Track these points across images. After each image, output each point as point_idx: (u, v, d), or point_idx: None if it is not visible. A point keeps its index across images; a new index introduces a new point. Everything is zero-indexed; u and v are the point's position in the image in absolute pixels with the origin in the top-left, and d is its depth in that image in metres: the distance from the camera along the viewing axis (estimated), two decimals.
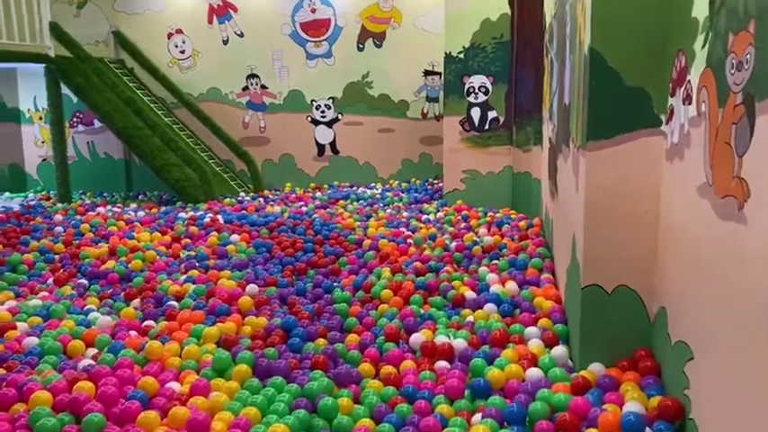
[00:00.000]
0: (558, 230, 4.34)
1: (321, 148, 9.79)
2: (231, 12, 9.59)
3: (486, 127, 7.43)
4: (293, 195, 8.67)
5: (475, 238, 5.54)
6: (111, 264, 5.15)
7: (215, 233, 6.05)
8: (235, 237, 5.88)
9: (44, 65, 8.28)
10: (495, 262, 4.87)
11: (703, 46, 2.22)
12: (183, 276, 4.85)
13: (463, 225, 6.20)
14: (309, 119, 9.71)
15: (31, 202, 8.59)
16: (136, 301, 4.38)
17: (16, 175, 10.29)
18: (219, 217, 6.80)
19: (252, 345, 3.49)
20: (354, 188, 9.17)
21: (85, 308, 4.25)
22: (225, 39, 9.65)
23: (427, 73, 9.42)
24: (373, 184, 9.39)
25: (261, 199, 8.43)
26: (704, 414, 2.20)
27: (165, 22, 9.65)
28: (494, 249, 5.21)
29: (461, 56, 7.34)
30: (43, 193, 9.78)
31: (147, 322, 3.95)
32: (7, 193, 9.81)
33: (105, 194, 9.50)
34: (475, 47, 7.29)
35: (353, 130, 9.66)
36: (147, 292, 4.49)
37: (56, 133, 8.55)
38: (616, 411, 2.54)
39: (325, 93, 9.62)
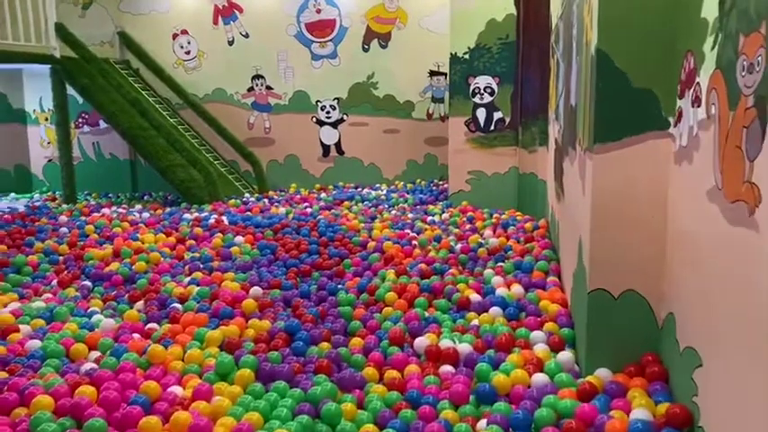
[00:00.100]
0: (564, 233, 4.30)
1: (326, 148, 9.77)
2: (236, 12, 9.58)
3: (492, 128, 7.40)
4: (298, 196, 8.66)
5: (480, 240, 5.51)
6: (115, 265, 5.14)
7: (219, 234, 6.03)
8: (239, 238, 5.86)
9: (50, 66, 8.29)
10: (500, 264, 4.83)
11: (713, 47, 2.18)
12: (187, 278, 4.83)
13: (468, 227, 6.17)
14: (314, 119, 9.69)
15: (37, 203, 8.61)
16: (139, 304, 4.36)
17: (22, 175, 10.31)
18: (224, 218, 6.79)
19: (255, 348, 3.46)
20: (359, 189, 9.14)
21: (89, 310, 4.24)
22: (230, 39, 9.64)
23: (432, 73, 9.39)
24: (378, 185, 9.36)
25: (266, 200, 8.41)
26: (713, 422, 2.16)
27: (171, 22, 9.65)
28: (499, 251, 5.17)
29: (467, 56, 7.30)
30: (49, 193, 9.79)
31: (150, 325, 3.93)
32: (13, 194, 9.84)
33: (110, 195, 9.50)
34: (480, 47, 7.26)
35: (358, 131, 9.64)
36: (151, 294, 4.47)
37: (61, 134, 8.56)
38: (623, 418, 2.50)
39: (330, 93, 9.60)
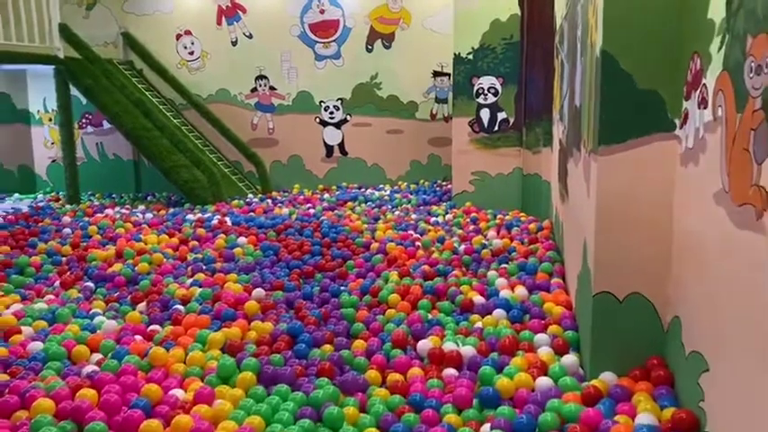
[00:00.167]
0: (569, 235, 4.27)
1: (329, 149, 9.76)
2: (240, 13, 9.57)
3: (496, 128, 7.37)
4: (301, 197, 8.64)
5: (484, 241, 5.48)
6: (117, 267, 5.13)
7: (222, 235, 6.02)
8: (242, 239, 5.85)
9: (53, 66, 8.30)
10: (504, 266, 4.81)
11: (720, 48, 2.15)
12: (190, 280, 4.82)
13: (472, 227, 6.14)
14: (318, 120, 9.68)
15: (40, 204, 8.61)
16: (142, 305, 4.35)
17: (26, 176, 10.32)
18: (227, 219, 6.78)
19: (257, 351, 3.44)
20: (363, 190, 9.13)
21: (91, 311, 4.23)
22: (234, 40, 9.63)
23: (436, 74, 9.36)
24: (382, 186, 9.34)
25: (269, 200, 8.40)
26: (720, 428, 2.13)
27: (174, 23, 9.64)
28: (503, 253, 5.14)
29: (471, 57, 7.28)
30: (52, 194, 9.80)
31: (152, 327, 3.92)
32: (17, 195, 9.84)
33: (114, 196, 9.50)
34: (484, 48, 7.23)
35: (362, 132, 9.62)
36: (154, 295, 4.46)
37: (65, 134, 8.57)
38: (628, 423, 2.48)
39: (333, 94, 9.58)
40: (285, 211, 7.38)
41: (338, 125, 9.67)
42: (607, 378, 2.88)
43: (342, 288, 4.54)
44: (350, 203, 7.94)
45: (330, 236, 5.87)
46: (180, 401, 2.86)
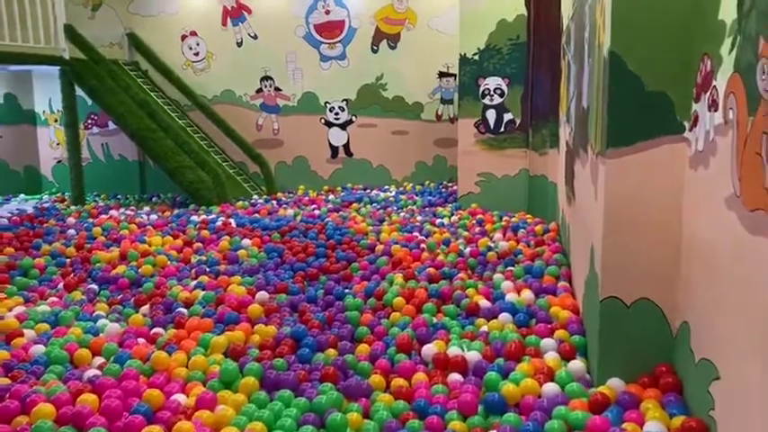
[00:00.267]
0: (576, 238, 4.22)
1: (335, 150, 9.72)
2: (245, 14, 9.55)
3: (502, 129, 7.31)
4: (306, 198, 8.61)
5: (489, 244, 5.44)
6: (121, 269, 5.11)
7: (226, 237, 5.99)
8: (246, 241, 5.82)
9: (59, 67, 8.29)
10: (510, 269, 4.76)
11: (731, 50, 2.11)
12: (194, 282, 4.79)
13: (478, 229, 6.10)
14: (323, 121, 9.65)
15: (45, 204, 8.61)
16: (145, 308, 4.33)
17: (31, 176, 10.33)
18: (232, 220, 6.75)
19: (260, 355, 3.41)
20: (368, 191, 9.09)
21: (94, 314, 4.20)
22: (239, 41, 9.61)
23: (442, 75, 9.32)
24: (387, 187, 9.30)
25: (274, 201, 8.38)
26: None
27: (180, 24, 9.63)
28: (509, 255, 5.10)
29: (476, 57, 7.23)
30: (58, 194, 9.80)
31: (155, 330, 3.89)
32: (22, 195, 9.85)
33: (119, 196, 9.50)
34: (490, 48, 7.18)
35: (367, 133, 9.58)
36: (157, 298, 4.43)
37: (70, 135, 8.57)
38: (636, 431, 2.43)
39: (338, 95, 9.55)
40: (290, 212, 7.36)
41: (343, 126, 9.64)
42: (615, 384, 2.83)
43: (346, 291, 4.51)
44: (355, 205, 7.91)
45: (335, 238, 5.84)
46: (181, 407, 2.83)
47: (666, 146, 2.68)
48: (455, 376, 3.14)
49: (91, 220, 7.17)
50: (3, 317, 4.03)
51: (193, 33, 9.64)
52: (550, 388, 2.90)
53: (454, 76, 8.99)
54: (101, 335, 3.79)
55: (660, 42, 2.62)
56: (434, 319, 3.92)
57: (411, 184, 9.31)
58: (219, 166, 8.73)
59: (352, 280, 4.84)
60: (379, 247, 5.49)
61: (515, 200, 7.20)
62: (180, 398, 2.92)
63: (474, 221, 6.48)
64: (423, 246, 5.52)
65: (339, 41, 9.44)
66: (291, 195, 9.01)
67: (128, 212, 7.73)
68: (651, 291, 2.78)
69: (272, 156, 9.56)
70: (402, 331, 3.68)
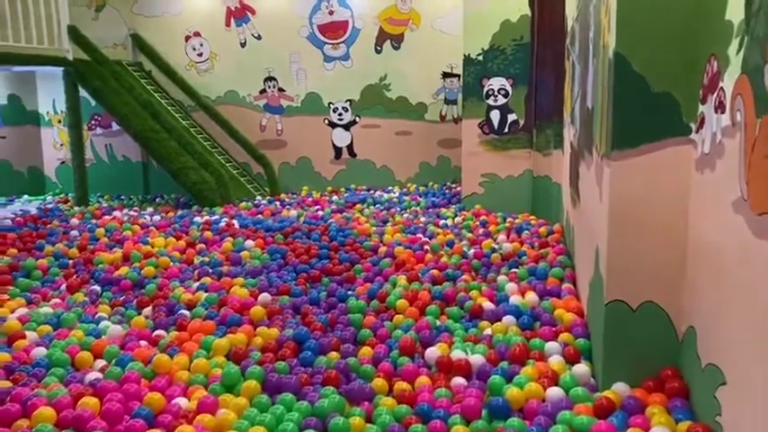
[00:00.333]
0: (580, 240, 4.19)
1: (338, 151, 9.71)
2: (249, 14, 9.54)
3: (506, 130, 7.29)
4: (310, 199, 8.60)
5: (493, 245, 5.41)
6: (124, 270, 5.10)
7: (230, 238, 5.98)
8: (249, 242, 5.81)
9: (62, 68, 8.30)
10: (514, 270, 4.73)
11: (738, 51, 2.08)
12: (196, 284, 4.78)
13: (481, 231, 6.07)
14: (326, 122, 9.63)
15: (49, 205, 8.61)
16: (147, 310, 4.31)
17: (35, 177, 10.34)
18: (235, 221, 6.74)
19: (262, 358, 3.39)
20: (371, 192, 9.07)
21: (96, 316, 4.19)
22: (242, 41, 9.61)
23: (446, 75, 9.29)
24: (390, 188, 9.28)
25: (277, 202, 8.37)
26: None
27: (183, 24, 9.63)
28: (513, 257, 5.07)
29: (480, 58, 7.20)
30: (61, 195, 9.81)
31: (157, 332, 3.88)
32: (26, 196, 9.86)
33: (123, 197, 9.50)
34: (494, 49, 7.15)
35: (371, 133, 9.56)
36: (160, 299, 4.42)
37: (74, 136, 8.57)
38: None
39: (342, 95, 9.53)
40: (293, 213, 7.34)
41: (347, 127, 9.62)
42: (620, 389, 2.80)
43: (349, 293, 4.48)
44: (358, 205, 7.89)
45: (338, 239, 5.82)
46: (183, 411, 2.81)
47: (672, 148, 2.65)
48: (459, 380, 3.12)
49: (94, 221, 7.16)
50: (5, 318, 4.03)
51: (197, 34, 9.63)
52: (555, 392, 2.87)
53: (458, 76, 8.96)
54: (103, 337, 3.77)
55: (666, 43, 2.59)
56: (438, 322, 3.90)
57: (414, 185, 9.28)
58: (223, 167, 8.72)
59: (355, 282, 4.82)
60: (383, 249, 5.47)
61: (519, 201, 7.18)
62: (181, 401, 2.90)
63: (478, 223, 6.46)
64: (426, 247, 5.50)
65: (343, 42, 9.42)
66: (295, 196, 8.99)
67: (131, 213, 7.73)
68: (657, 294, 2.75)
69: (275, 156, 9.54)
70: (405, 334, 3.66)
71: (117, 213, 7.68)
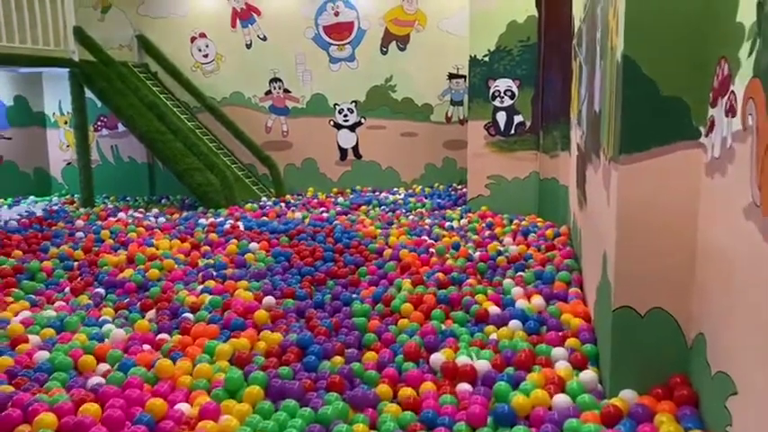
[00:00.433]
0: (587, 244, 4.15)
1: (344, 152, 9.68)
2: (254, 15, 9.53)
3: (512, 131, 7.24)
4: (315, 200, 8.57)
5: (499, 248, 5.37)
6: (128, 272, 5.08)
7: (234, 241, 5.96)
8: (254, 245, 5.78)
9: (68, 69, 8.31)
10: (520, 274, 4.69)
11: (750, 54, 2.03)
12: (200, 287, 4.75)
13: (487, 233, 6.03)
14: (332, 123, 9.61)
15: (55, 207, 8.62)
16: (151, 313, 4.29)
17: (41, 178, 10.37)
18: (240, 223, 6.72)
19: (265, 363, 3.36)
20: (377, 193, 9.04)
21: (100, 319, 4.17)
22: (248, 42, 9.59)
23: (451, 76, 9.25)
24: (396, 189, 9.25)
25: (282, 204, 8.34)
26: None
27: (189, 25, 9.63)
28: (519, 260, 5.03)
29: (486, 59, 7.16)
30: (67, 196, 9.83)
31: (160, 335, 3.85)
32: (32, 197, 9.88)
33: (128, 198, 9.51)
34: (501, 50, 7.11)
35: (376, 135, 9.53)
36: (163, 302, 4.39)
37: (80, 137, 8.59)
38: None
39: (348, 96, 9.51)
40: (298, 215, 7.32)
41: (352, 128, 9.59)
42: (627, 396, 2.76)
43: (354, 296, 4.45)
44: (364, 207, 7.86)
45: (343, 241, 5.79)
46: (185, 417, 2.79)
47: (681, 152, 2.61)
48: (464, 386, 3.08)
49: (99, 222, 7.15)
50: (9, 322, 4.01)
51: (203, 35, 9.63)
52: (561, 399, 2.83)
53: (464, 77, 8.92)
54: (106, 341, 3.75)
55: (675, 45, 2.54)
56: (443, 327, 3.86)
57: (420, 187, 9.25)
58: (228, 169, 8.71)
59: (359, 285, 4.79)
60: (388, 252, 5.44)
61: (526, 203, 7.13)
62: (183, 407, 2.88)
63: (483, 225, 6.41)
64: (431, 250, 5.46)
65: (348, 43, 9.40)
66: (300, 198, 8.97)
67: (136, 215, 7.72)
68: (665, 300, 2.71)
69: (280, 158, 9.53)
70: (410, 338, 3.62)
71: (122, 215, 7.67)
